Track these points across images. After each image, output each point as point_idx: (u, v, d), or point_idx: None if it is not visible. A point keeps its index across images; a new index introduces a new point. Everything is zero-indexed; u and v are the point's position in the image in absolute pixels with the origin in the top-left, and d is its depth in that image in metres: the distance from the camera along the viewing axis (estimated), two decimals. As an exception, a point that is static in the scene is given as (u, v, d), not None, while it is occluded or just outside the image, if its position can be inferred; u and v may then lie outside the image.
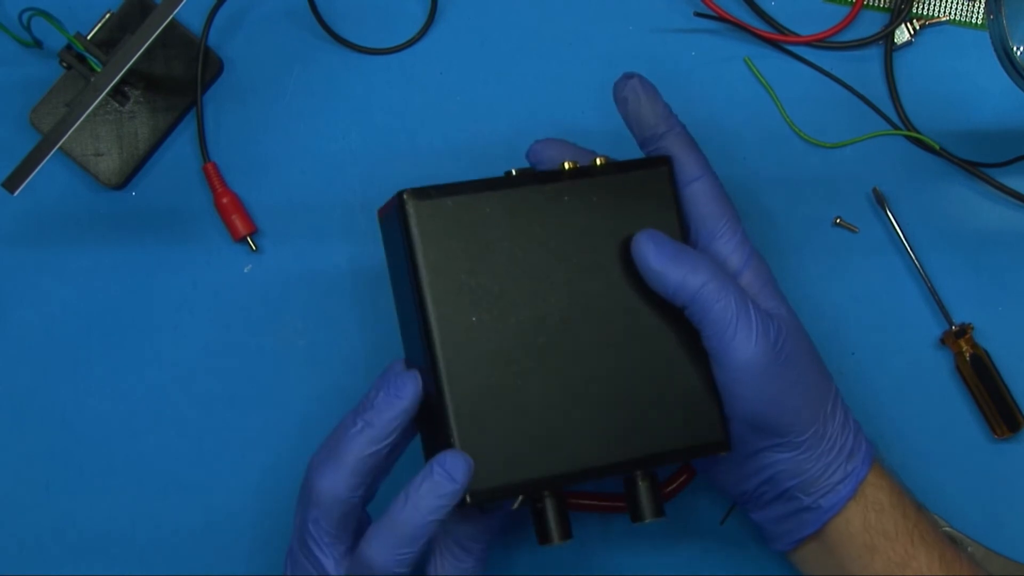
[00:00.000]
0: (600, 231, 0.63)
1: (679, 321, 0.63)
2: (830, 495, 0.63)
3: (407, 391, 0.61)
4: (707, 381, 0.63)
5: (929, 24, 0.74)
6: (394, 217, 0.61)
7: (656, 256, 0.61)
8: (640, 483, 0.62)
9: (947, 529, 0.71)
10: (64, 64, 0.72)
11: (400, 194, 0.61)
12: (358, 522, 0.62)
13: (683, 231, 0.64)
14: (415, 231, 0.60)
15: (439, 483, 0.58)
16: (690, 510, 0.72)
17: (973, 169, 0.73)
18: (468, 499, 0.59)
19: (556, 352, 0.61)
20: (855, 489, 0.63)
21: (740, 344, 0.60)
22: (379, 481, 0.63)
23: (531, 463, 0.60)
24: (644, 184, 0.64)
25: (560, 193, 0.63)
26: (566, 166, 0.63)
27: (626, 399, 0.62)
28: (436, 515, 0.58)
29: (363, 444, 0.60)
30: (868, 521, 0.63)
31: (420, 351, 0.61)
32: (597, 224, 0.63)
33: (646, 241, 0.62)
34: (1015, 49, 0.66)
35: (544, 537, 0.61)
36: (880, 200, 0.73)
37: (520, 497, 0.61)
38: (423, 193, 0.61)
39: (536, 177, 0.63)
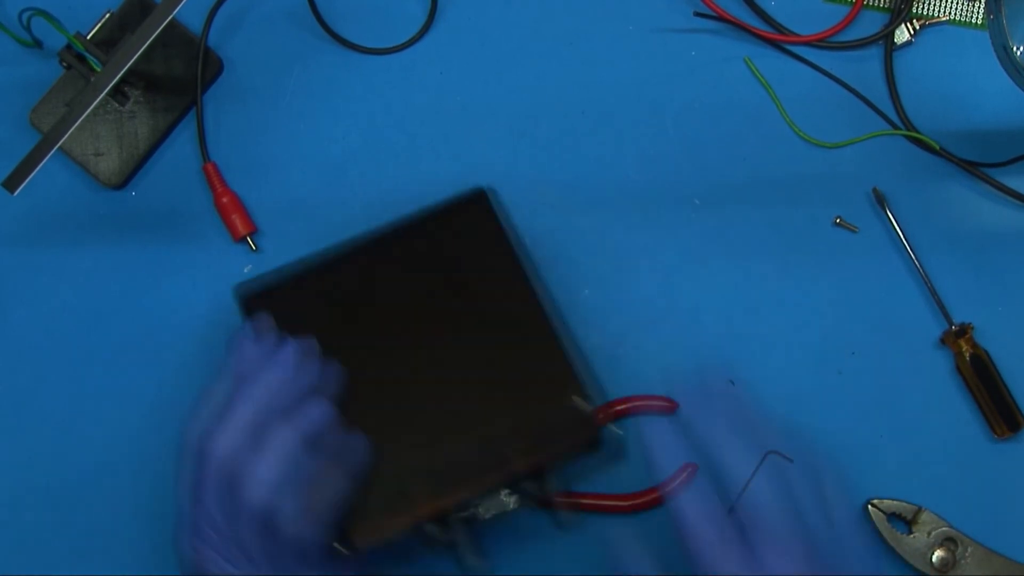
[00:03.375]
0: (430, 275, 0.67)
1: (507, 326, 0.65)
2: None
3: (338, 382, 0.65)
4: (552, 354, 0.65)
5: (929, 24, 0.75)
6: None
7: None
8: (527, 488, 0.64)
9: (947, 529, 0.71)
10: (64, 64, 0.72)
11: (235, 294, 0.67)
12: None
13: (516, 257, 0.67)
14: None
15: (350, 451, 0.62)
16: (690, 510, 0.72)
17: (973, 169, 0.73)
18: (360, 543, 0.62)
19: (399, 403, 0.65)
20: None
21: None
22: None
23: (412, 500, 0.63)
24: (466, 215, 0.68)
25: (384, 252, 0.67)
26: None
27: (482, 411, 0.64)
28: None
29: (298, 433, 0.61)
30: None
31: None
32: (426, 271, 0.67)
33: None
34: (1015, 49, 0.66)
35: (466, 566, 0.64)
36: (880, 200, 0.73)
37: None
38: (252, 292, 0.67)
39: (362, 246, 0.67)
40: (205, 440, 0.62)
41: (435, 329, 0.66)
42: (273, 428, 0.61)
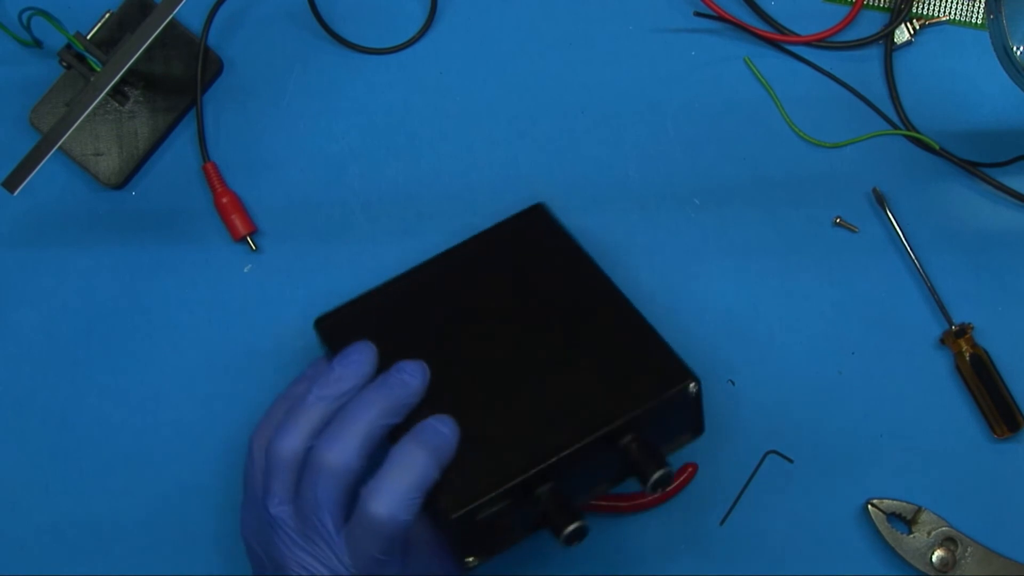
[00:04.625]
0: (503, 281, 0.67)
1: (595, 317, 0.65)
2: None
3: (420, 373, 0.63)
4: (650, 341, 0.64)
5: (929, 24, 0.75)
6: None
7: None
8: (631, 447, 0.62)
9: (947, 529, 0.71)
10: (64, 64, 0.72)
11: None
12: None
13: (587, 259, 0.67)
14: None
15: (430, 431, 0.60)
16: (690, 510, 0.72)
17: (973, 169, 0.73)
18: (454, 515, 0.59)
19: (494, 379, 0.64)
20: None
21: None
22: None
23: (505, 470, 0.61)
24: (530, 227, 0.69)
25: (455, 267, 0.68)
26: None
27: (576, 385, 0.63)
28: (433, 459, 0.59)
29: (377, 416, 0.61)
30: None
31: None
32: (499, 277, 0.67)
33: None
34: (1015, 49, 0.66)
35: (559, 530, 0.61)
36: (880, 200, 0.73)
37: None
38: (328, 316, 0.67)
39: (430, 263, 0.68)
40: (273, 439, 0.61)
41: (522, 328, 0.65)
42: (350, 411, 0.61)
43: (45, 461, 0.73)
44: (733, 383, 0.73)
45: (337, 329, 0.66)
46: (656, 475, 0.61)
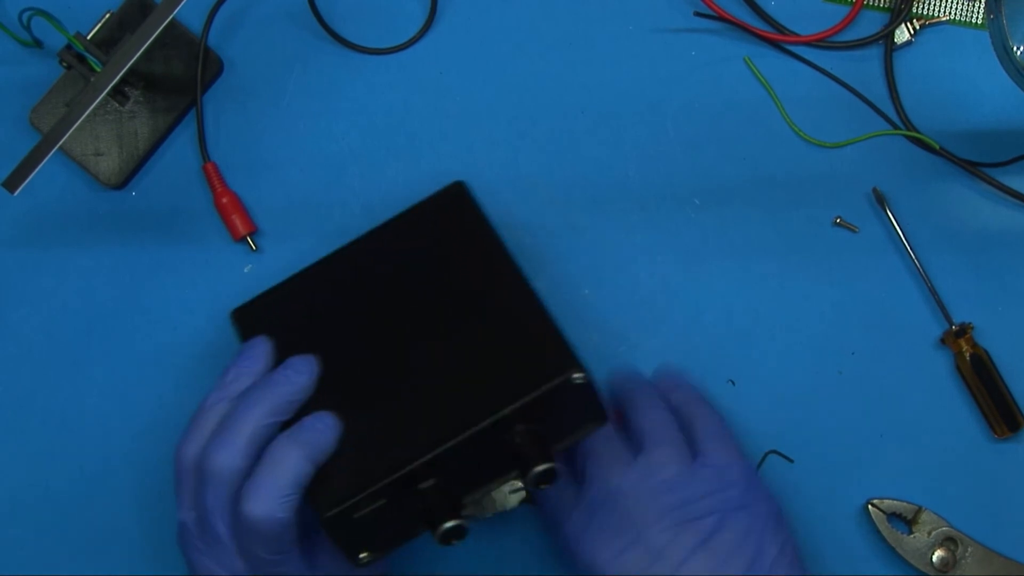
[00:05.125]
0: (412, 264, 0.66)
1: (492, 301, 0.64)
2: None
3: (307, 369, 0.63)
4: (542, 329, 0.62)
5: (929, 24, 0.74)
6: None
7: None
8: (516, 439, 0.60)
9: (947, 529, 0.71)
10: (64, 64, 0.72)
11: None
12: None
13: (496, 241, 0.66)
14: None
15: (305, 427, 0.60)
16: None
17: (973, 169, 0.73)
18: (326, 514, 0.59)
19: (384, 371, 0.63)
20: None
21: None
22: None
23: (382, 466, 0.59)
24: (445, 208, 0.68)
25: (367, 253, 0.68)
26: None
27: (462, 376, 0.61)
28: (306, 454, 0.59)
29: (262, 415, 0.61)
30: None
31: None
32: (408, 261, 0.67)
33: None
34: (1015, 49, 0.66)
35: (435, 527, 0.59)
36: (880, 200, 0.73)
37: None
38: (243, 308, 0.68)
39: (344, 250, 0.68)
40: (176, 452, 0.62)
41: (422, 315, 0.65)
42: (236, 412, 0.61)
43: (45, 461, 0.73)
44: (733, 383, 0.73)
45: (249, 321, 0.67)
46: (538, 469, 0.59)
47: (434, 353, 0.63)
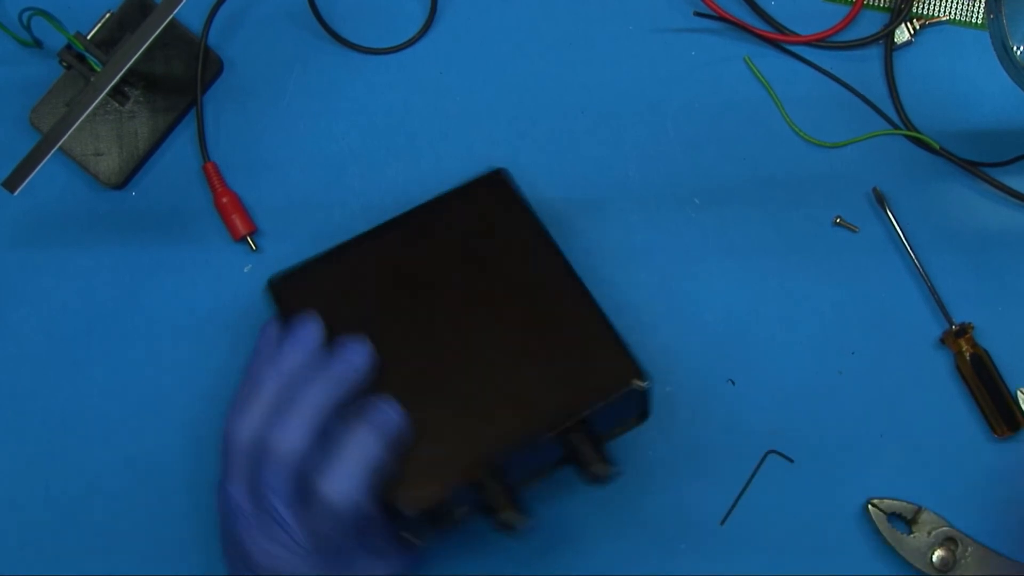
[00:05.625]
0: (458, 250, 0.66)
1: (547, 298, 0.64)
2: None
3: (364, 351, 0.63)
4: (603, 333, 0.63)
5: (929, 24, 0.75)
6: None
7: None
8: (576, 440, 0.62)
9: (947, 529, 0.71)
10: (64, 64, 0.72)
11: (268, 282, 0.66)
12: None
13: (541, 227, 0.66)
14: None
15: (379, 412, 0.61)
16: (690, 510, 0.72)
17: (973, 169, 0.73)
18: (407, 510, 0.60)
19: (441, 362, 0.63)
20: None
21: None
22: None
23: (456, 463, 0.61)
24: (489, 195, 0.67)
25: (410, 233, 0.66)
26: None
27: (526, 376, 0.62)
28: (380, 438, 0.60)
29: (324, 397, 0.61)
30: None
31: None
32: (454, 246, 0.66)
33: None
34: (1015, 48, 0.66)
35: (504, 524, 0.61)
36: (880, 200, 0.73)
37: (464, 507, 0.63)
38: (281, 278, 0.66)
39: (386, 227, 0.67)
40: (228, 426, 0.61)
41: (472, 306, 0.65)
42: (298, 392, 0.61)
43: (45, 461, 0.73)
44: (733, 383, 0.73)
45: (289, 293, 0.66)
46: (595, 470, 0.62)
47: (490, 348, 0.63)
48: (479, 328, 0.64)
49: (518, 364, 0.63)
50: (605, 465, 0.62)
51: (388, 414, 0.61)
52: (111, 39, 0.73)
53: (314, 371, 0.62)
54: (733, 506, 0.72)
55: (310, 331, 0.63)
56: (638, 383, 0.62)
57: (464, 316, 0.64)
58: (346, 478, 0.59)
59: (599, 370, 0.63)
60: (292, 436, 0.60)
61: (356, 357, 0.63)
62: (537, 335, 0.64)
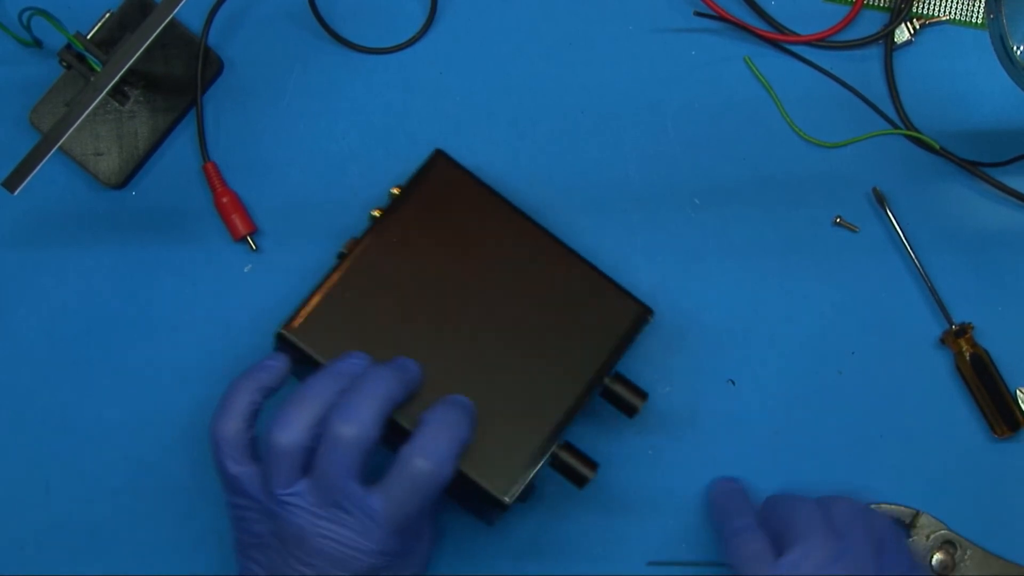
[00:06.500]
0: (440, 246, 0.68)
1: (538, 265, 0.68)
2: None
3: (414, 363, 0.66)
4: (596, 287, 0.68)
5: (929, 24, 0.74)
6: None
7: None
8: (612, 386, 0.67)
9: (945, 532, 0.71)
10: (64, 64, 0.72)
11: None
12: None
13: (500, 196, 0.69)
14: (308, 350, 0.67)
15: (455, 397, 0.65)
16: (690, 510, 0.72)
17: (973, 169, 0.73)
18: (508, 500, 0.65)
19: (476, 353, 0.67)
20: None
21: None
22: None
23: (531, 442, 0.66)
24: (440, 181, 0.70)
25: (391, 244, 0.68)
26: (375, 214, 0.69)
27: (552, 341, 0.67)
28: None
29: (389, 391, 0.63)
30: None
31: None
32: (435, 244, 0.68)
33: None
34: (1015, 48, 0.66)
35: (579, 479, 0.66)
36: (880, 200, 0.73)
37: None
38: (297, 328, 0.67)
39: (366, 244, 0.68)
40: (277, 430, 0.62)
41: (476, 296, 0.67)
42: (360, 384, 0.63)
43: (45, 461, 0.73)
44: (733, 383, 0.73)
45: (312, 340, 0.67)
46: (639, 404, 0.68)
47: (510, 328, 0.67)
48: (492, 311, 0.67)
49: (541, 334, 0.67)
50: (643, 395, 0.68)
51: (463, 400, 0.65)
52: (111, 39, 0.73)
53: (379, 368, 0.64)
54: (733, 506, 0.72)
55: (359, 354, 0.65)
56: (649, 316, 0.68)
57: (474, 305, 0.67)
58: (438, 450, 0.62)
59: (612, 315, 0.68)
60: (363, 424, 0.61)
61: (410, 364, 0.65)
62: (544, 302, 0.68)
